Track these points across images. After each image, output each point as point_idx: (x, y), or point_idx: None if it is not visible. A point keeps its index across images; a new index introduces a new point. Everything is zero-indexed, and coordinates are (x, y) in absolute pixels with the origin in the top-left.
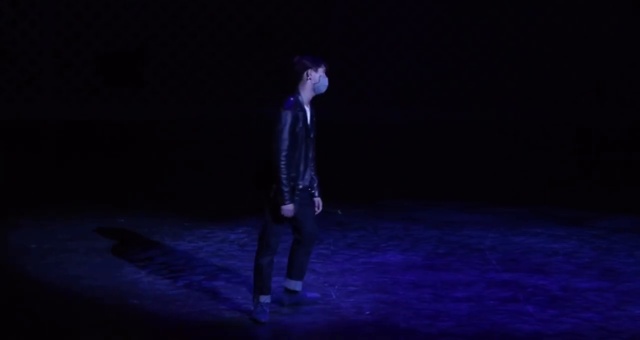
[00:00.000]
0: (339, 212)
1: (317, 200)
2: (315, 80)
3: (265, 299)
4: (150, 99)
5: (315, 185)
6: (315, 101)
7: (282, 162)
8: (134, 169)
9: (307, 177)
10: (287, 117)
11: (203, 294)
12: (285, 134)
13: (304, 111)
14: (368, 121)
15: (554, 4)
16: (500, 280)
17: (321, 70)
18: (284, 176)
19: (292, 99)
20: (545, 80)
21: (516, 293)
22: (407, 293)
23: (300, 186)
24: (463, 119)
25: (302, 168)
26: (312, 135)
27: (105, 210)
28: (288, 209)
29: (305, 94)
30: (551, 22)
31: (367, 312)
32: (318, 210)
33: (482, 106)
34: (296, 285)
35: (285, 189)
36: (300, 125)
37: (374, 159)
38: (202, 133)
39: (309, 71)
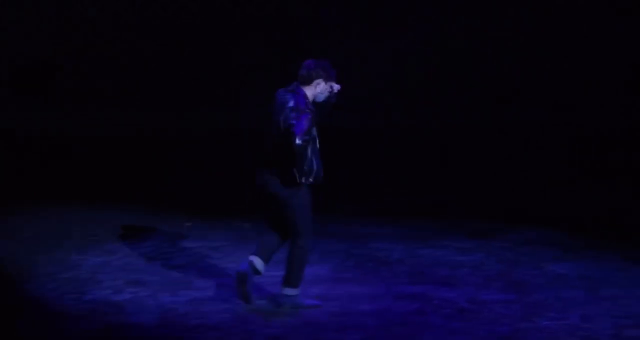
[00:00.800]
0: (247, 225)
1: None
2: (321, 91)
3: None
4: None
5: None
6: None
7: (305, 145)
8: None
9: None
10: (310, 114)
11: (109, 309)
12: (311, 124)
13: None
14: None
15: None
16: (407, 293)
17: (330, 84)
18: (305, 155)
19: (300, 93)
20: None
21: (423, 306)
22: (323, 305)
23: (304, 181)
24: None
25: (316, 165)
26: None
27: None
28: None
29: (309, 95)
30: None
31: (275, 326)
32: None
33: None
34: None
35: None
36: (314, 125)
37: None
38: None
39: (319, 80)
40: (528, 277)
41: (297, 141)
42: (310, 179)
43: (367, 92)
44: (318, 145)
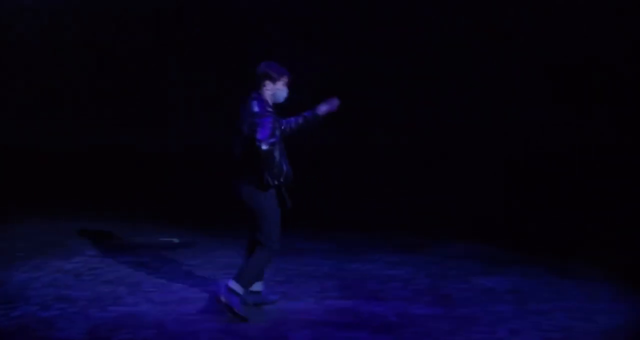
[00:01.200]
0: (176, 240)
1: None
2: (272, 90)
3: (257, 286)
4: None
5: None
6: None
7: (273, 149)
8: None
9: (287, 177)
10: (272, 115)
11: (38, 325)
12: (274, 126)
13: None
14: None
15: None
16: (336, 307)
17: (280, 83)
18: (272, 160)
19: (260, 98)
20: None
21: (353, 320)
22: (244, 322)
23: (276, 183)
24: None
25: (284, 166)
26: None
27: None
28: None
29: (267, 99)
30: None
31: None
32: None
33: None
34: (257, 285)
35: (273, 171)
36: (279, 127)
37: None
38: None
39: (267, 82)
40: (456, 291)
41: (263, 147)
42: (281, 180)
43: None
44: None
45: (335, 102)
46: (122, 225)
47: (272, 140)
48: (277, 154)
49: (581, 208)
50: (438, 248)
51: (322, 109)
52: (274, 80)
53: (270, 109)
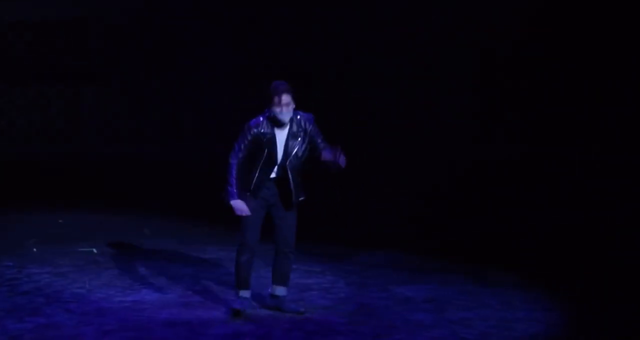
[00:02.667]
0: (94, 250)
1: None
2: (274, 109)
3: (243, 293)
4: None
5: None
6: None
7: (233, 162)
8: None
9: (261, 186)
10: (247, 130)
11: None
12: (240, 143)
13: (271, 131)
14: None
15: None
16: (256, 316)
17: (274, 104)
18: (230, 170)
19: (261, 118)
20: None
21: (272, 329)
22: (164, 331)
23: (250, 192)
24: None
25: (255, 177)
26: (280, 155)
27: None
28: (234, 205)
29: (271, 116)
30: None
31: None
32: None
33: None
34: (280, 290)
35: (229, 189)
36: (263, 145)
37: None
38: None
39: (272, 100)
40: (376, 300)
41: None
42: (250, 188)
43: None
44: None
45: (340, 157)
46: (40, 234)
47: (234, 153)
48: (247, 166)
49: (499, 215)
50: (358, 257)
51: (326, 155)
52: (270, 100)
53: (255, 128)
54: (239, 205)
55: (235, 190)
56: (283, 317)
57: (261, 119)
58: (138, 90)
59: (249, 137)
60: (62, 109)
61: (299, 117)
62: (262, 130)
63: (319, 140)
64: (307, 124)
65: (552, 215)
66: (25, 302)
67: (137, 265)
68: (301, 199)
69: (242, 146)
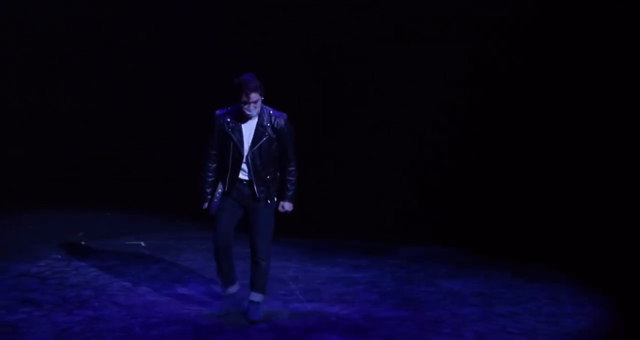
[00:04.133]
0: (143, 244)
1: (282, 204)
2: (241, 106)
3: (226, 290)
4: None
5: (261, 195)
6: None
7: (204, 161)
8: None
9: (231, 183)
10: (214, 121)
11: (2, 329)
12: (210, 137)
13: (236, 122)
14: None
15: None
16: (303, 310)
17: (244, 99)
18: (201, 174)
19: (229, 108)
20: None
21: (319, 323)
22: (211, 324)
23: (220, 190)
24: None
25: (228, 175)
26: (247, 147)
27: None
28: (203, 206)
29: (239, 111)
30: None
31: None
32: (281, 210)
33: None
34: (250, 295)
35: (202, 187)
36: (229, 135)
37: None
38: None
39: (239, 97)
40: (422, 294)
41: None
42: (225, 188)
43: None
44: (251, 163)
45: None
46: (89, 228)
47: (204, 155)
48: (214, 165)
49: (543, 210)
50: (404, 251)
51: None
52: (238, 96)
53: (221, 118)
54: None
55: (207, 196)
56: (330, 310)
57: (229, 108)
58: None
59: (217, 128)
60: None
61: (271, 112)
62: (228, 120)
63: (289, 148)
64: (278, 122)
65: (600, 210)
66: (73, 295)
67: (184, 258)
68: (270, 202)
69: (211, 139)
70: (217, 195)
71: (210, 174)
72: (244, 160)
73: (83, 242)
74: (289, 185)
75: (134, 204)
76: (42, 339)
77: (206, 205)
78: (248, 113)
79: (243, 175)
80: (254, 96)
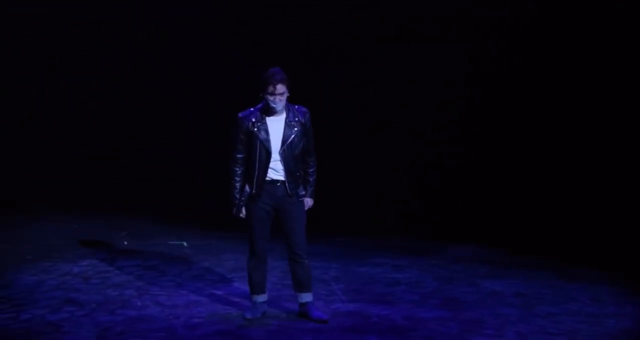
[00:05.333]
0: (185, 244)
1: (305, 200)
2: (267, 97)
3: (256, 298)
4: None
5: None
6: None
7: (231, 165)
8: None
9: (259, 184)
10: (238, 123)
11: (46, 328)
12: (235, 141)
13: (261, 122)
14: None
15: None
16: (344, 310)
17: (270, 90)
18: (229, 180)
19: (251, 109)
20: None
21: (360, 323)
22: (252, 325)
23: (253, 192)
24: None
25: (255, 176)
26: (276, 145)
27: None
28: (235, 213)
29: (265, 108)
30: None
31: None
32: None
33: None
34: (298, 297)
35: (230, 193)
36: (255, 135)
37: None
38: None
39: (265, 88)
40: (463, 294)
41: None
42: (253, 190)
43: None
44: (282, 162)
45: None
46: (131, 228)
47: (231, 161)
48: (242, 168)
49: (585, 210)
50: (444, 251)
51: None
52: (264, 88)
53: (245, 120)
54: (236, 212)
55: (240, 203)
56: (371, 311)
57: (251, 109)
58: None
59: (241, 130)
60: None
61: (296, 107)
62: (253, 120)
63: (311, 143)
64: (305, 117)
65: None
66: (115, 295)
67: (225, 258)
68: (302, 194)
69: (237, 142)
70: (244, 198)
71: (238, 179)
72: (276, 158)
73: (125, 242)
74: (311, 181)
75: (171, 204)
76: (85, 338)
77: (236, 210)
78: (273, 106)
79: (273, 175)
80: (280, 88)
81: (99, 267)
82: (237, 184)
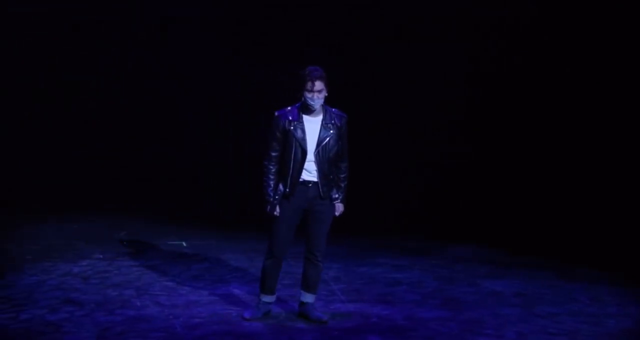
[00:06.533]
0: (184, 244)
1: (336, 205)
2: (305, 94)
3: (264, 298)
4: None
5: (329, 194)
6: None
7: (264, 167)
8: None
9: (293, 184)
10: (274, 121)
11: (45, 328)
12: (270, 138)
13: (298, 120)
14: None
15: None
16: (344, 310)
17: (305, 89)
18: (264, 178)
19: (289, 107)
20: None
21: (360, 323)
22: (252, 325)
23: (287, 191)
24: None
25: (290, 175)
26: (312, 145)
27: None
28: (269, 210)
29: (302, 106)
30: None
31: None
32: (336, 214)
33: None
34: (302, 296)
35: (263, 192)
36: (291, 134)
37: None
38: None
39: (304, 85)
40: (464, 294)
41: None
42: (287, 189)
43: None
44: (317, 163)
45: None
46: (131, 228)
47: (268, 153)
48: (276, 167)
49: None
50: (444, 251)
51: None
52: (301, 88)
53: (282, 117)
54: (270, 211)
55: (275, 202)
56: (371, 311)
57: (289, 108)
58: None
59: (277, 128)
60: None
61: (333, 110)
62: (290, 118)
63: (346, 148)
64: (341, 121)
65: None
66: (115, 295)
67: (226, 259)
68: (335, 197)
69: (272, 140)
70: (278, 196)
71: (272, 177)
72: (310, 159)
73: (125, 242)
74: (342, 186)
75: (171, 204)
76: (85, 338)
77: (270, 208)
78: (311, 103)
79: (306, 175)
80: (319, 84)
81: (99, 267)
82: (272, 182)
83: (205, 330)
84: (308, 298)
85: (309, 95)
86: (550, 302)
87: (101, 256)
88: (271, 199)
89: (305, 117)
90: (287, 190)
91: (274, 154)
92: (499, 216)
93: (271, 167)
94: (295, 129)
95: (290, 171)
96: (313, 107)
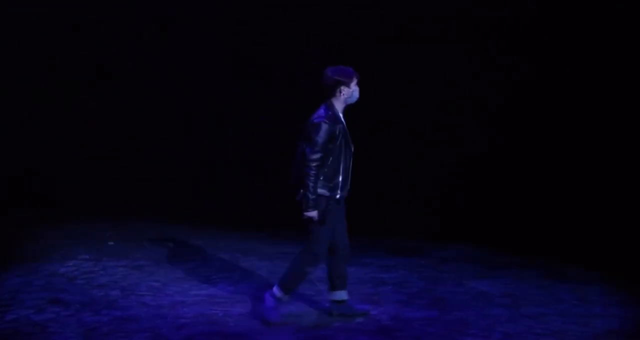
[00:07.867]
0: (170, 244)
1: None
2: (348, 94)
3: (286, 298)
4: None
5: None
6: None
7: (312, 171)
8: None
9: (346, 189)
10: (325, 127)
11: (32, 328)
12: (320, 145)
13: (342, 124)
14: None
15: None
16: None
17: (353, 84)
18: (311, 184)
19: (329, 112)
20: None
21: (347, 324)
22: (238, 325)
23: (338, 197)
24: None
25: (341, 179)
26: (352, 148)
27: None
28: (311, 215)
29: (339, 106)
30: None
31: None
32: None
33: None
34: (342, 294)
35: (311, 197)
36: (340, 137)
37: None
38: None
39: (342, 87)
40: (450, 294)
41: (308, 160)
42: (338, 194)
43: None
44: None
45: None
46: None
47: (316, 155)
48: (329, 165)
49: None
50: (431, 251)
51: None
52: (347, 84)
53: (324, 118)
54: (319, 217)
55: (328, 207)
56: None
57: (328, 113)
58: None
59: (330, 134)
60: None
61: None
62: (335, 119)
63: None
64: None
65: (627, 209)
66: (101, 295)
67: (212, 259)
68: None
69: (322, 146)
70: (332, 201)
71: (316, 183)
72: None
73: (111, 243)
74: None
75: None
76: (71, 338)
77: (320, 215)
78: (357, 97)
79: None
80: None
81: (85, 267)
82: (315, 179)
83: (191, 330)
84: (346, 295)
85: (357, 89)
86: (538, 302)
87: (87, 256)
88: (320, 203)
89: (342, 116)
90: (338, 195)
91: (316, 163)
92: (488, 216)
93: (318, 172)
94: (344, 134)
95: (341, 176)
96: (355, 101)
